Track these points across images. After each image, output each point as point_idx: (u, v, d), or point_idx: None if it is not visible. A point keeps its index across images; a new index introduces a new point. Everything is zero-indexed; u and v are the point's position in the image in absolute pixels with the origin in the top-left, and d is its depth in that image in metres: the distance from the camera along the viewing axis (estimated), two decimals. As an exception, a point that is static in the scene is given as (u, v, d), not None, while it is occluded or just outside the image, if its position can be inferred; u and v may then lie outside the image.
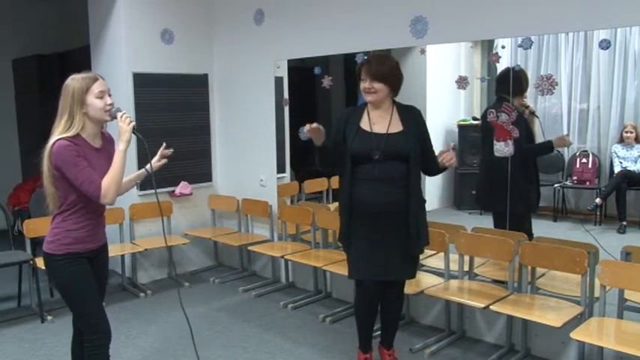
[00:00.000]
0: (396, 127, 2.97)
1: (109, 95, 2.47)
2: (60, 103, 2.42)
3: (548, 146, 4.00)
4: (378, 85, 2.93)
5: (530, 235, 3.62)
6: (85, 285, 2.49)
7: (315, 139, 2.90)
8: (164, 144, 2.79)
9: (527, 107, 4.05)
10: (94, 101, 2.40)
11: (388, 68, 2.96)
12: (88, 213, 2.47)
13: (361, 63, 3.04)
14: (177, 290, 4.75)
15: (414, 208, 2.92)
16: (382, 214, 2.92)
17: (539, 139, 4.11)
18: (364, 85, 2.96)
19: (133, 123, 2.47)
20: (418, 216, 2.95)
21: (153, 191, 2.63)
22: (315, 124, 2.85)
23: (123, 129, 2.43)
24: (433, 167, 3.06)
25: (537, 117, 4.19)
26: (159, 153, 2.75)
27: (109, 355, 2.59)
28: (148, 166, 2.69)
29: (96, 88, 2.41)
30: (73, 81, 2.42)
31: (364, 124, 3.00)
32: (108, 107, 2.44)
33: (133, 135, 2.46)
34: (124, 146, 2.43)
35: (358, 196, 2.95)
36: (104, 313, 2.56)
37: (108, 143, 2.57)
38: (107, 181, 2.38)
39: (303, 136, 3.03)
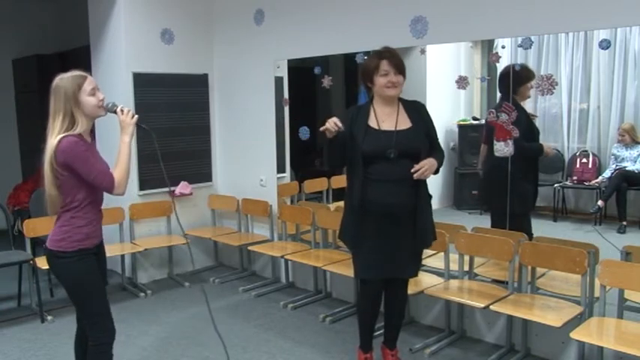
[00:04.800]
0: (405, 123, 2.92)
1: (98, 90, 2.50)
2: (51, 103, 2.43)
3: (538, 150, 3.99)
4: (401, 79, 2.88)
5: (529, 235, 3.62)
6: (95, 282, 2.52)
7: (329, 132, 2.77)
8: None
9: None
10: (87, 99, 2.43)
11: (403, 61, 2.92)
12: (94, 208, 2.52)
13: (380, 57, 2.87)
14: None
15: (422, 206, 2.91)
16: (391, 214, 2.89)
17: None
18: (388, 78, 2.84)
19: (137, 116, 2.55)
20: (425, 213, 2.94)
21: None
22: (335, 121, 2.71)
23: (126, 122, 2.52)
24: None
25: (536, 116, 4.20)
26: None
27: (112, 355, 2.59)
28: None
29: (87, 85, 2.44)
30: (63, 81, 2.43)
31: (372, 123, 2.92)
32: (101, 102, 2.49)
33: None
34: (129, 138, 2.52)
35: (369, 196, 2.88)
36: (110, 311, 2.56)
37: (93, 139, 2.63)
38: (119, 173, 2.47)
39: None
